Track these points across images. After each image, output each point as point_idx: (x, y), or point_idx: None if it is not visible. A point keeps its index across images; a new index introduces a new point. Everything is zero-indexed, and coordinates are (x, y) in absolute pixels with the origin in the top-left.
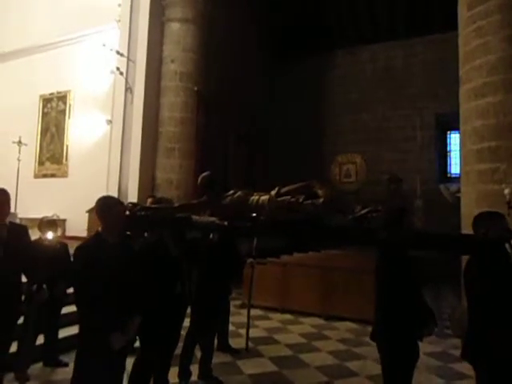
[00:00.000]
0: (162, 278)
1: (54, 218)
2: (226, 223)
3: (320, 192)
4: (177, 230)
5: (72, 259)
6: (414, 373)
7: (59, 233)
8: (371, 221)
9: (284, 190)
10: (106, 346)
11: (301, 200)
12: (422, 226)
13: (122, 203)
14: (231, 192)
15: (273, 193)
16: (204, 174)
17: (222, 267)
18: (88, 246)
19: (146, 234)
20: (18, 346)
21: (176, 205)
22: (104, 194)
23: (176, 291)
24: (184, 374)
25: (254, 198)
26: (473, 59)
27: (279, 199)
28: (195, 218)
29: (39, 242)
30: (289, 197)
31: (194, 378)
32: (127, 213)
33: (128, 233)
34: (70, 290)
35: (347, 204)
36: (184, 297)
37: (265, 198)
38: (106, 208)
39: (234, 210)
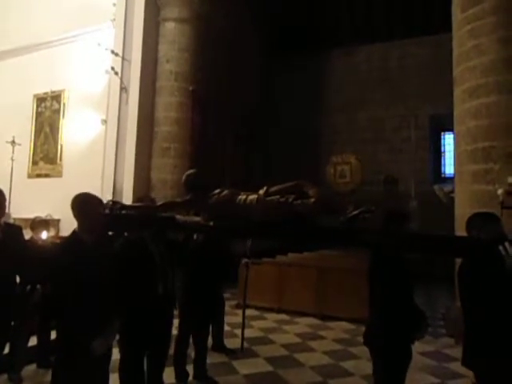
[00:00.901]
0: (143, 279)
1: (48, 218)
2: (211, 223)
3: (310, 192)
4: (159, 230)
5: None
6: (408, 372)
7: (52, 233)
8: (364, 222)
9: (273, 189)
10: (86, 352)
11: (290, 200)
12: (416, 227)
13: (100, 201)
14: (217, 191)
15: (261, 192)
16: (189, 171)
17: (208, 268)
18: (63, 246)
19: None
20: (12, 348)
21: (159, 203)
22: (99, 194)
23: (158, 292)
24: (181, 376)
25: (242, 197)
26: (467, 60)
27: (268, 199)
28: (179, 217)
29: (32, 241)
30: (278, 196)
31: (189, 378)
32: (107, 211)
33: (110, 233)
34: None
35: (339, 204)
36: (167, 298)
37: (253, 197)
38: (84, 206)
39: (220, 210)
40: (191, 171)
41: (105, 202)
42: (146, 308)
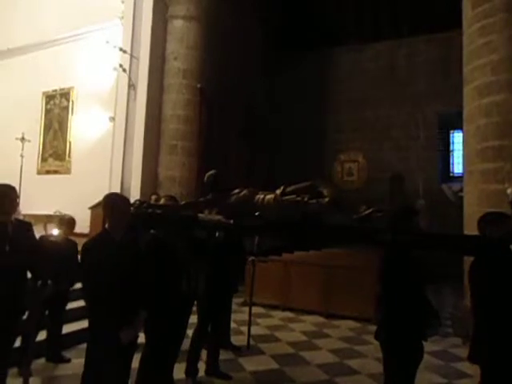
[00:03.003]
0: (168, 276)
1: (56, 214)
2: (231, 222)
3: (325, 191)
4: (183, 228)
5: (79, 256)
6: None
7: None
8: (376, 221)
9: (289, 189)
10: (115, 342)
11: (306, 199)
12: (425, 226)
13: (128, 200)
14: (237, 190)
15: (278, 192)
16: (210, 172)
17: (228, 266)
18: (95, 243)
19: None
20: (22, 342)
21: (182, 203)
22: (106, 190)
23: (182, 289)
24: (191, 371)
25: (260, 196)
26: (477, 58)
27: (284, 198)
28: (201, 216)
29: (47, 238)
30: (294, 196)
31: (201, 373)
32: (134, 210)
33: (136, 230)
34: (75, 286)
35: (352, 203)
36: (189, 295)
37: (270, 196)
38: (113, 205)
39: (239, 209)
40: (212, 172)
41: (132, 201)
42: (170, 305)
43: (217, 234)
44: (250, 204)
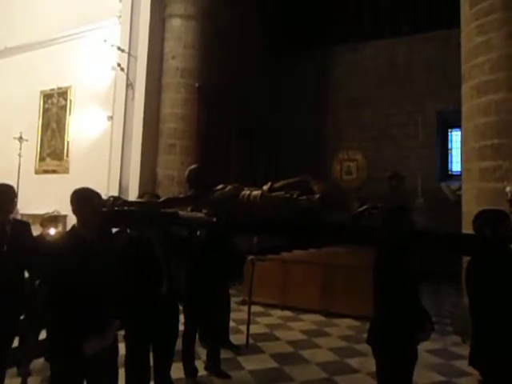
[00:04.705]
0: (147, 277)
1: (55, 213)
2: (214, 219)
3: (315, 188)
4: (162, 226)
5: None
6: (415, 370)
7: (60, 228)
8: (369, 218)
9: (277, 184)
10: (77, 354)
11: (295, 196)
12: (423, 224)
13: (99, 196)
14: (220, 186)
15: (265, 188)
16: (191, 167)
17: (211, 265)
18: (62, 242)
19: (128, 230)
20: (21, 341)
21: (162, 199)
22: (105, 190)
23: (162, 291)
24: (190, 372)
25: (245, 192)
26: (475, 56)
27: (272, 194)
28: (182, 213)
29: (41, 237)
30: (282, 192)
31: (202, 372)
32: (109, 207)
33: (115, 229)
34: None
35: (344, 201)
36: (171, 295)
37: (257, 193)
38: (83, 201)
39: (223, 205)
40: (193, 167)
41: (105, 198)
42: (151, 306)
43: (198, 233)
44: (234, 201)
